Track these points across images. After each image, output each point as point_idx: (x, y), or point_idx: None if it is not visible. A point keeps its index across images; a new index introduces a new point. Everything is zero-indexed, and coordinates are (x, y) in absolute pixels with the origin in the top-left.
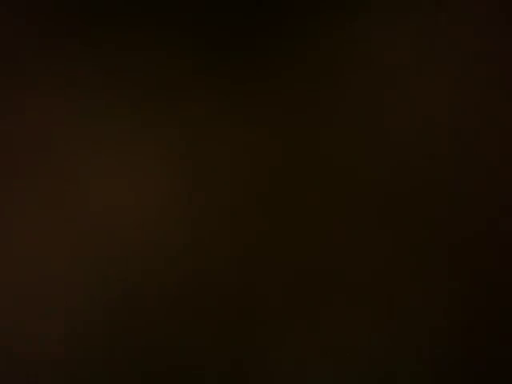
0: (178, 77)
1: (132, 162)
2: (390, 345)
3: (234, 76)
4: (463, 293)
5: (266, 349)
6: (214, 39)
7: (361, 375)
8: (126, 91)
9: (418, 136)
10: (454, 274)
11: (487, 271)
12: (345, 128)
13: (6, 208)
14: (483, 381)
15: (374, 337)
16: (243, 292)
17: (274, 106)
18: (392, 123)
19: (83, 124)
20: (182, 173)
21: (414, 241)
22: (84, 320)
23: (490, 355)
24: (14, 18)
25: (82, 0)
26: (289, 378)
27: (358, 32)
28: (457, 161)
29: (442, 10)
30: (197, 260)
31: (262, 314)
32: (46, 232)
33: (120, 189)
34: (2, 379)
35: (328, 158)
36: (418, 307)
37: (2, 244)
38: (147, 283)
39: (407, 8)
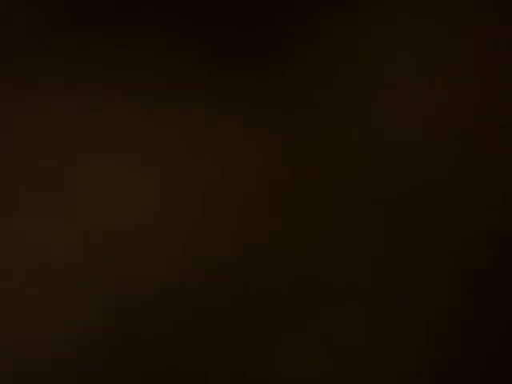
0: (178, 77)
1: (132, 162)
2: (387, 345)
3: (235, 76)
4: (462, 293)
5: (265, 349)
6: (214, 39)
7: (359, 376)
8: (126, 91)
9: (418, 136)
10: (452, 274)
11: (487, 271)
12: (345, 128)
13: (6, 208)
14: (483, 381)
15: (372, 337)
16: (242, 293)
17: (275, 105)
18: (392, 123)
19: (82, 124)
20: (182, 173)
21: (414, 241)
22: (84, 320)
23: (489, 355)
24: (14, 18)
25: (82, 0)
26: (287, 378)
27: (358, 32)
28: (456, 161)
29: (442, 10)
30: (196, 260)
31: (261, 315)
32: (45, 232)
33: (120, 189)
34: (1, 379)
35: (328, 158)
36: (417, 307)
37: (2, 244)
38: (147, 283)
39: (407, 8)
